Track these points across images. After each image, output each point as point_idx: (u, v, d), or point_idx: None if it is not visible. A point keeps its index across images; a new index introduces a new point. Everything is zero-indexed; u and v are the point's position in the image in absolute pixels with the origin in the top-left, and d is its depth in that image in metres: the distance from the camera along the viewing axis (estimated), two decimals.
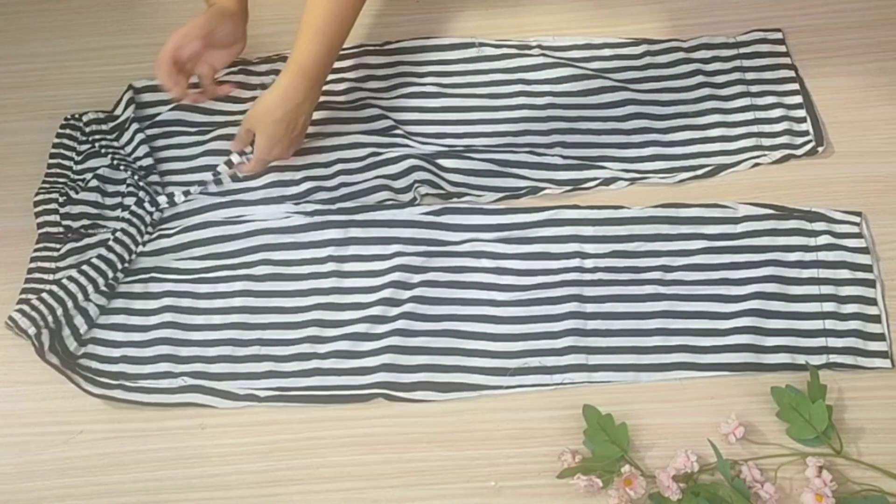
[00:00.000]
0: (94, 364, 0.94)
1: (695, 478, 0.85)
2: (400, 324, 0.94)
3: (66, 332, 0.94)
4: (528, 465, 0.88)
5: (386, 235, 0.99)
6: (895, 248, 0.97)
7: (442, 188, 1.02)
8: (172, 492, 0.88)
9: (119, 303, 0.97)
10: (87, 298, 0.96)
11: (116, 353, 0.94)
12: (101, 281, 0.96)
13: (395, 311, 0.95)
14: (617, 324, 0.94)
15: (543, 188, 1.02)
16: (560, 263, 0.97)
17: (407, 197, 1.02)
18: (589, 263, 0.97)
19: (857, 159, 1.03)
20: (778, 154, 1.03)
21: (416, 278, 0.97)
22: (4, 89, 1.14)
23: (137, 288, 0.98)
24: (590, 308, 0.94)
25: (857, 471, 0.86)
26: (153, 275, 0.98)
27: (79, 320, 0.95)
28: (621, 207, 1.00)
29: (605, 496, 0.84)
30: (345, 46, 1.13)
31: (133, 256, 0.99)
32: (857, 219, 0.98)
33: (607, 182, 1.03)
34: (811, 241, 0.97)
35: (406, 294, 0.96)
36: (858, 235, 0.97)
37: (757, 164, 1.03)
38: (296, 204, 1.02)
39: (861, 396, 0.90)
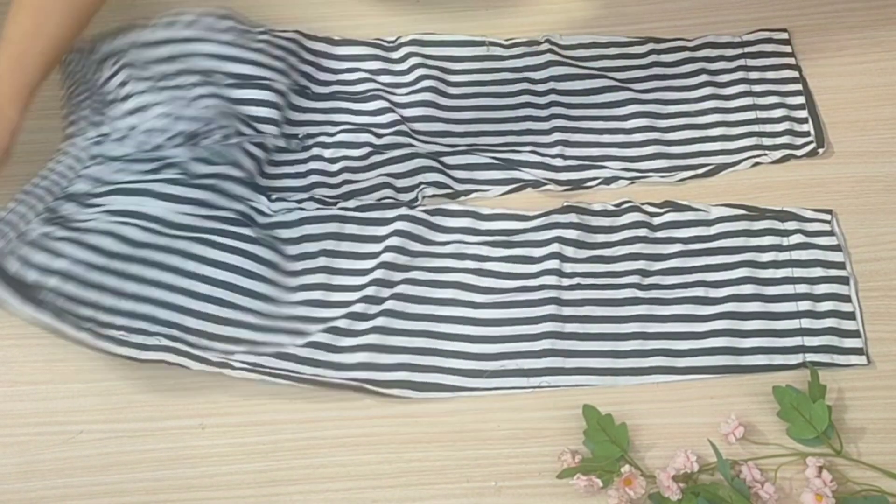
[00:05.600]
0: (62, 302, 0.87)
1: (695, 478, 0.85)
2: (380, 321, 0.94)
3: (13, 264, 0.87)
4: (528, 465, 0.88)
5: (378, 234, 0.99)
6: (895, 249, 0.97)
7: (449, 187, 1.02)
8: (172, 492, 0.88)
9: (103, 240, 0.90)
10: (27, 224, 0.89)
11: (90, 295, 0.88)
12: (40, 206, 0.90)
13: (375, 308, 0.95)
14: (594, 327, 0.94)
15: (545, 183, 1.03)
16: (539, 266, 0.97)
17: (408, 197, 1.02)
18: (567, 268, 0.97)
19: (857, 159, 1.03)
20: (778, 154, 1.03)
21: (399, 276, 0.96)
22: None
23: (128, 231, 0.90)
24: (567, 311, 0.94)
25: (857, 471, 0.86)
26: (149, 224, 0.91)
27: (25, 250, 0.88)
28: (601, 215, 1.00)
29: (605, 496, 0.84)
30: (357, 39, 1.13)
31: (68, 182, 0.93)
32: (827, 216, 0.98)
33: (608, 181, 1.03)
34: (784, 241, 0.97)
35: (387, 292, 0.95)
36: (830, 233, 0.97)
37: (757, 164, 1.03)
38: (298, 202, 1.02)
39: (861, 396, 0.90)
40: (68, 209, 0.92)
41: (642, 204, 1.01)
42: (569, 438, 0.88)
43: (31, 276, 0.87)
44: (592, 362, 0.92)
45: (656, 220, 0.99)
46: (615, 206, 1.01)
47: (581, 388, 0.91)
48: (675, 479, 0.84)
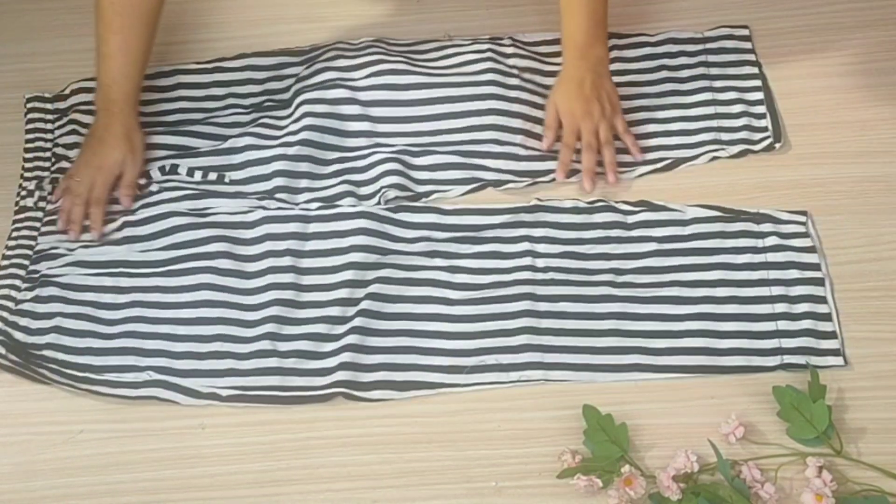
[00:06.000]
0: (60, 355, 0.94)
1: (695, 478, 0.85)
2: (357, 322, 0.94)
3: (18, 335, 0.95)
4: (528, 465, 0.88)
5: (343, 229, 1.00)
6: (895, 249, 0.97)
7: (409, 189, 1.02)
8: (172, 492, 0.88)
9: (88, 296, 0.97)
10: (17, 301, 0.97)
11: (82, 343, 0.95)
12: (19, 282, 0.99)
13: (352, 310, 0.95)
14: (571, 323, 0.94)
15: (506, 181, 1.03)
16: (512, 262, 0.98)
17: (372, 202, 1.02)
18: (540, 263, 0.97)
19: (857, 159, 1.03)
20: (736, 149, 1.04)
21: (371, 275, 0.97)
22: (4, 89, 1.14)
23: (107, 281, 0.98)
24: (543, 307, 0.95)
25: (857, 471, 0.86)
26: (122, 269, 0.99)
27: (24, 320, 0.96)
28: (572, 212, 1.00)
29: (605, 496, 0.84)
30: (321, 44, 1.13)
31: (35, 242, 1.01)
32: (802, 218, 0.99)
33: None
34: (759, 243, 0.98)
35: (362, 292, 0.96)
36: (805, 235, 0.98)
37: (715, 158, 1.04)
38: (259, 199, 1.02)
39: (861, 396, 0.90)
40: (42, 267, 0.99)
41: (616, 203, 1.01)
42: (569, 438, 0.88)
43: (32, 339, 0.95)
44: (570, 358, 0.92)
45: (630, 219, 1.00)
46: (588, 203, 1.01)
47: (565, 383, 0.91)
48: (675, 479, 0.84)
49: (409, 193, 1.02)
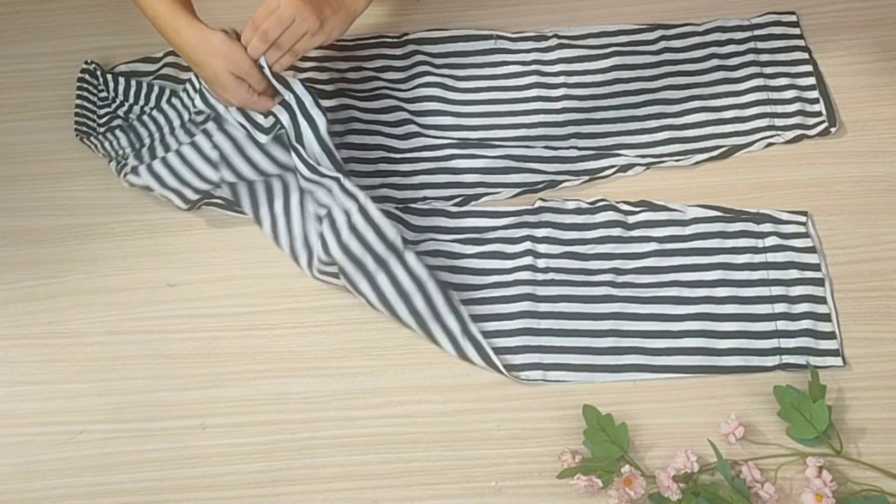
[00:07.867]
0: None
1: (695, 478, 0.85)
2: None
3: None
4: (528, 465, 0.88)
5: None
6: (895, 249, 0.97)
7: (456, 193, 1.03)
8: (172, 492, 0.88)
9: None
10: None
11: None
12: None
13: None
14: (570, 324, 0.94)
15: (561, 181, 1.03)
16: (513, 263, 0.98)
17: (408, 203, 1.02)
18: (541, 263, 0.97)
19: (857, 159, 1.03)
20: (791, 134, 1.04)
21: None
22: (4, 89, 1.14)
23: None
24: (543, 307, 0.95)
25: (857, 471, 0.86)
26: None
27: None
28: (575, 213, 1.00)
29: (605, 496, 0.84)
30: (363, 36, 1.14)
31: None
32: (802, 218, 0.99)
33: (624, 169, 1.03)
34: (759, 243, 0.98)
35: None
36: (805, 235, 0.98)
37: (770, 144, 1.04)
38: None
39: (861, 396, 0.90)
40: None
41: (617, 203, 1.01)
42: (569, 438, 0.89)
43: None
44: (569, 358, 0.93)
45: (631, 220, 1.00)
46: (590, 203, 1.01)
47: (565, 383, 0.91)
48: (675, 479, 0.84)
49: (457, 199, 1.02)
